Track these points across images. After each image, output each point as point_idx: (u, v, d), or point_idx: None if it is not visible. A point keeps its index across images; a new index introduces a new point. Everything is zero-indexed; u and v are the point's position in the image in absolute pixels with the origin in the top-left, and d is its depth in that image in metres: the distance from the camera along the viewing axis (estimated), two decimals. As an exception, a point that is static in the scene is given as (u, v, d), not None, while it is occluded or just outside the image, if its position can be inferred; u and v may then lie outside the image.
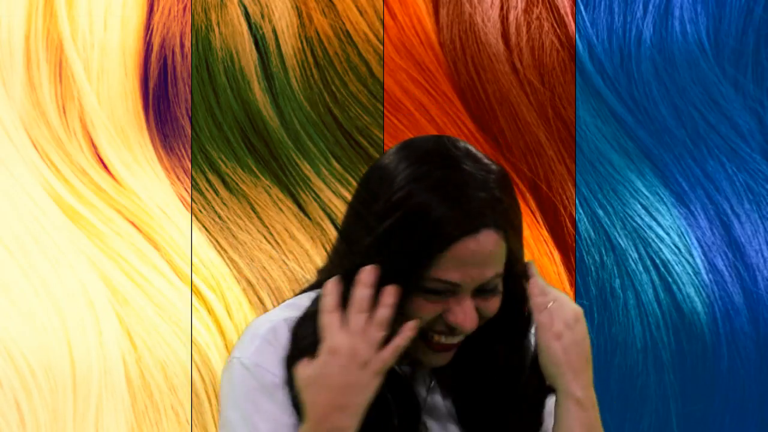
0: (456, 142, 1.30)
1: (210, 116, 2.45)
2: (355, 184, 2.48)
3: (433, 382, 1.31)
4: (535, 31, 2.48)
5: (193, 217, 2.44)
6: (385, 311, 1.19)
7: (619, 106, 2.47)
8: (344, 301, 1.22)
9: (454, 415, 1.30)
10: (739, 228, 2.44)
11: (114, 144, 2.42)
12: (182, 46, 2.44)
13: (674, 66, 2.45)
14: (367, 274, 1.20)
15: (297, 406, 1.21)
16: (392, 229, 1.21)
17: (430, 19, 2.50)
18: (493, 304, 1.25)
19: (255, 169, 2.46)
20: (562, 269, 2.46)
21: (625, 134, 2.47)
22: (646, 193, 2.46)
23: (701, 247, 2.45)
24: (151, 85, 2.44)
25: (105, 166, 2.42)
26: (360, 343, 1.19)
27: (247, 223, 2.46)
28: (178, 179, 2.45)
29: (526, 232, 2.45)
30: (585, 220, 2.46)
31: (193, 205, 2.45)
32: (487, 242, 1.22)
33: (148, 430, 2.38)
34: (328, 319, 1.20)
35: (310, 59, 2.46)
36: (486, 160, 1.32)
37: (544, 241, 2.47)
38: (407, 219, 1.21)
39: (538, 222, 2.48)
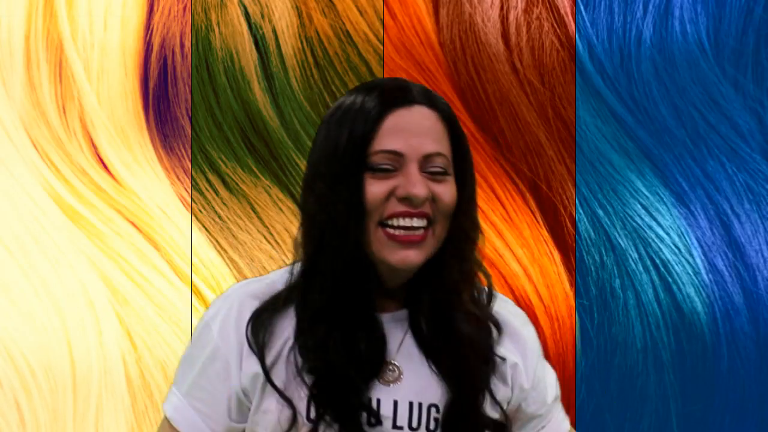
0: None
1: (210, 116, 2.45)
2: (355, 184, 2.47)
3: (408, 333, 1.39)
4: (535, 31, 2.48)
5: (193, 217, 2.44)
6: None
7: (619, 106, 2.47)
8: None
9: (425, 355, 1.38)
10: (739, 228, 2.44)
11: (114, 144, 2.42)
12: (182, 46, 2.45)
13: (674, 66, 2.45)
14: None
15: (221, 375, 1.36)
16: (339, 119, 1.33)
17: (430, 19, 2.50)
18: (447, 190, 1.32)
19: (255, 169, 2.46)
20: (562, 269, 2.47)
21: (625, 134, 2.47)
22: (646, 193, 2.46)
23: (701, 247, 2.45)
24: (151, 85, 2.44)
25: (105, 166, 2.42)
26: None
27: (247, 223, 2.46)
28: (178, 179, 2.45)
29: (526, 232, 2.46)
30: (585, 220, 2.46)
31: (193, 205, 2.45)
32: (422, 114, 1.33)
33: (148, 430, 2.38)
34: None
35: (310, 59, 2.46)
36: None
37: (544, 241, 2.47)
38: (350, 107, 1.34)
39: (538, 222, 2.48)
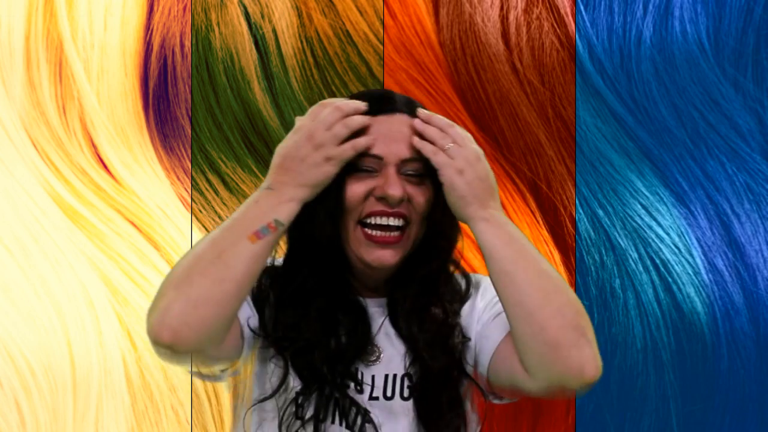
0: None
1: (210, 116, 2.45)
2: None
3: (386, 317, 1.49)
4: (535, 31, 2.48)
5: (193, 217, 2.44)
6: (354, 120, 1.40)
7: (619, 106, 2.47)
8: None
9: (401, 334, 1.48)
10: (739, 228, 2.44)
11: (114, 144, 2.42)
12: (182, 46, 2.45)
13: (674, 66, 2.45)
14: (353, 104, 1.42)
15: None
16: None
17: (430, 19, 2.50)
18: (423, 193, 1.43)
19: (255, 169, 2.46)
20: (562, 269, 2.47)
21: (625, 134, 2.47)
22: (646, 193, 2.46)
23: (701, 247, 2.45)
24: (151, 85, 2.44)
25: (105, 166, 2.42)
26: (320, 129, 1.39)
27: (247, 223, 2.46)
28: (178, 179, 2.45)
29: (526, 232, 2.46)
30: (585, 220, 2.46)
31: (193, 205, 2.45)
32: (402, 121, 1.45)
33: (148, 430, 2.38)
34: (312, 109, 1.43)
35: (310, 59, 2.46)
36: None
37: (544, 241, 2.47)
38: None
39: (538, 222, 2.48)
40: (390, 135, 1.43)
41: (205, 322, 1.32)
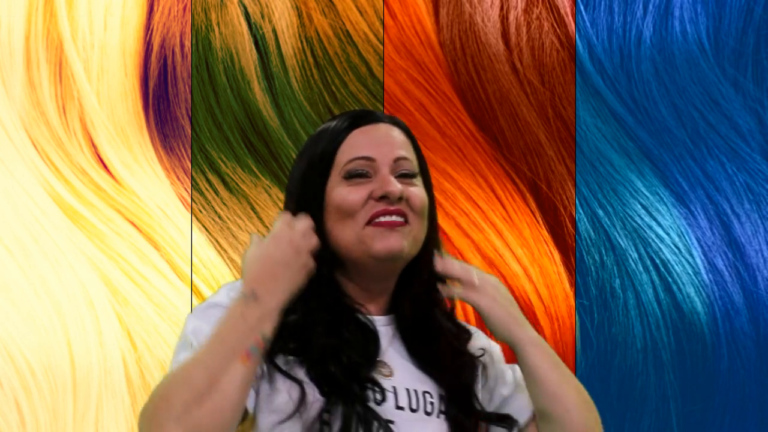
0: None
1: (210, 116, 2.45)
2: (355, 184, 2.48)
3: (394, 335, 1.49)
4: (535, 31, 2.48)
5: (193, 217, 2.44)
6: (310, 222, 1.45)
7: (619, 106, 2.47)
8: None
9: (412, 355, 1.49)
10: (739, 228, 2.44)
11: (114, 144, 2.42)
12: (182, 46, 2.45)
13: (674, 66, 2.45)
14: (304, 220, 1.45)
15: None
16: (312, 140, 1.52)
17: (430, 19, 2.50)
18: (417, 191, 1.46)
19: (255, 169, 2.46)
20: (562, 269, 2.47)
21: (625, 134, 2.47)
22: (646, 193, 2.46)
23: (701, 247, 2.45)
24: (151, 85, 2.44)
25: (105, 166, 2.42)
26: (297, 235, 1.42)
27: (247, 223, 2.46)
28: (178, 179, 2.45)
29: (526, 232, 2.46)
30: (585, 220, 2.46)
31: (193, 205, 2.45)
32: (387, 127, 1.49)
33: (148, 430, 2.38)
34: (280, 218, 1.46)
35: (310, 59, 2.46)
36: None
37: (544, 241, 2.47)
38: (322, 130, 1.51)
39: (538, 222, 2.48)
40: (377, 139, 1.47)
41: None
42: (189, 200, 2.45)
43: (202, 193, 2.45)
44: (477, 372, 1.52)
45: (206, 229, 2.45)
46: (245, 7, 2.45)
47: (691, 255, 2.44)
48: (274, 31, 2.45)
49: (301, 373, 1.41)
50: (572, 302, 2.45)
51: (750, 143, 2.45)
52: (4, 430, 2.31)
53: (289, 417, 1.39)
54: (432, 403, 1.45)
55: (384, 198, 1.43)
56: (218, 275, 2.42)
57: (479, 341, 1.55)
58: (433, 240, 1.51)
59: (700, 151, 2.46)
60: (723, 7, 2.45)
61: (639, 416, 2.43)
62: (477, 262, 2.35)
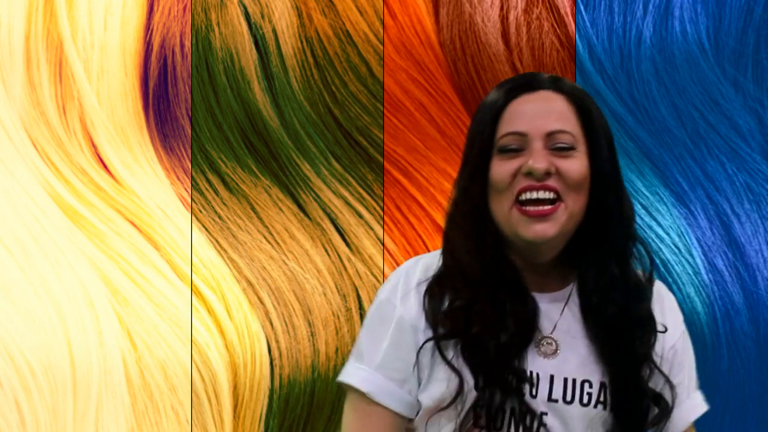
0: None
1: (210, 116, 2.45)
2: (354, 184, 2.48)
3: (564, 311, 1.44)
4: (535, 31, 2.48)
5: (193, 217, 2.44)
6: None
7: (619, 106, 2.47)
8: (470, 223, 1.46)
9: (584, 334, 1.45)
10: (739, 228, 2.44)
11: (114, 144, 2.42)
12: (182, 46, 2.45)
13: (674, 66, 2.45)
14: None
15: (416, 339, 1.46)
16: (476, 113, 1.48)
17: (430, 19, 2.50)
18: (572, 164, 1.42)
19: (255, 169, 2.46)
20: (562, 269, 2.47)
21: (625, 134, 2.47)
22: (646, 193, 2.46)
23: (701, 247, 2.45)
24: (151, 85, 2.44)
25: (105, 166, 2.42)
26: None
27: (247, 223, 2.46)
28: (178, 179, 2.45)
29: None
30: (585, 220, 2.46)
31: (193, 205, 2.45)
32: (545, 96, 1.45)
33: (148, 430, 2.38)
34: None
35: (310, 59, 2.46)
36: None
37: (544, 241, 2.47)
38: (484, 102, 1.48)
39: (538, 222, 2.48)
40: (533, 111, 1.43)
41: None
42: (189, 200, 2.45)
43: (202, 193, 2.45)
44: (655, 342, 1.47)
45: (206, 229, 2.45)
46: (245, 7, 2.45)
47: (691, 255, 2.44)
48: (274, 31, 2.45)
49: (459, 360, 1.41)
50: (572, 302, 2.45)
51: (750, 143, 2.45)
52: (4, 430, 2.31)
53: (448, 406, 1.40)
54: (590, 394, 1.42)
55: (530, 173, 1.41)
56: (218, 275, 2.42)
57: (670, 319, 1.51)
58: (603, 208, 1.45)
59: (700, 151, 2.46)
60: (723, 7, 2.45)
61: (639, 416, 2.43)
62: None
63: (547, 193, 1.41)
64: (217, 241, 2.45)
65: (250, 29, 2.45)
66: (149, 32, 2.44)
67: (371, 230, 2.47)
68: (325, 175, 2.46)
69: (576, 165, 1.42)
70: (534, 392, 1.41)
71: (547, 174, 1.41)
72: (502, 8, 2.48)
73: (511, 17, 2.48)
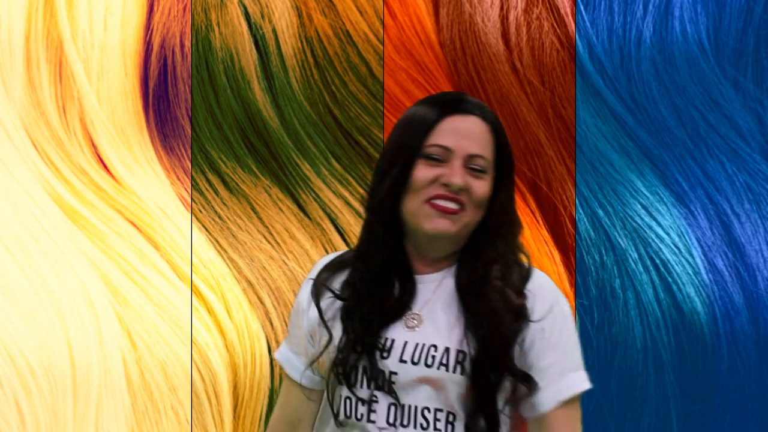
0: None
1: (210, 116, 2.45)
2: (354, 184, 2.48)
3: (436, 291, 1.69)
4: (535, 31, 2.48)
5: (193, 217, 2.44)
6: None
7: (619, 106, 2.47)
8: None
9: (448, 310, 1.68)
10: (739, 228, 2.44)
11: (114, 144, 2.42)
12: (182, 46, 2.45)
13: (674, 66, 2.45)
14: None
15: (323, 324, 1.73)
16: (405, 122, 1.70)
17: (430, 19, 2.50)
18: (481, 187, 1.66)
19: (255, 169, 2.46)
20: (562, 269, 2.47)
21: (625, 134, 2.47)
22: (646, 193, 2.46)
23: (701, 247, 2.45)
24: (151, 85, 2.45)
25: (105, 166, 2.42)
26: None
27: (247, 223, 2.47)
28: (178, 179, 2.45)
29: (526, 232, 2.46)
30: (585, 220, 2.46)
31: (193, 205, 2.45)
32: (476, 123, 1.68)
33: (148, 430, 2.38)
34: None
35: (310, 59, 2.47)
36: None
37: (544, 241, 2.47)
38: (414, 113, 1.70)
39: (538, 222, 2.48)
40: (462, 132, 1.66)
41: None
42: (189, 200, 2.45)
43: (202, 193, 2.45)
44: (521, 330, 1.65)
45: (206, 229, 2.45)
46: (245, 7, 2.45)
47: (691, 255, 2.44)
48: (274, 31, 2.45)
49: (336, 323, 1.69)
50: (572, 302, 2.45)
51: (750, 143, 2.45)
52: (4, 430, 2.31)
53: (318, 357, 1.69)
54: (433, 357, 1.64)
55: (447, 185, 1.64)
56: (218, 275, 2.42)
57: (539, 305, 1.67)
58: (494, 222, 1.68)
59: (700, 151, 2.46)
60: (723, 7, 2.45)
61: (639, 416, 2.43)
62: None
63: (455, 204, 1.65)
64: (217, 241, 2.45)
65: (250, 29, 2.45)
66: (149, 32, 2.44)
67: (371, 230, 2.47)
68: (325, 175, 2.46)
69: (484, 187, 1.66)
70: (386, 355, 1.64)
71: (461, 189, 1.64)
72: (502, 8, 2.48)
73: (511, 17, 2.48)
